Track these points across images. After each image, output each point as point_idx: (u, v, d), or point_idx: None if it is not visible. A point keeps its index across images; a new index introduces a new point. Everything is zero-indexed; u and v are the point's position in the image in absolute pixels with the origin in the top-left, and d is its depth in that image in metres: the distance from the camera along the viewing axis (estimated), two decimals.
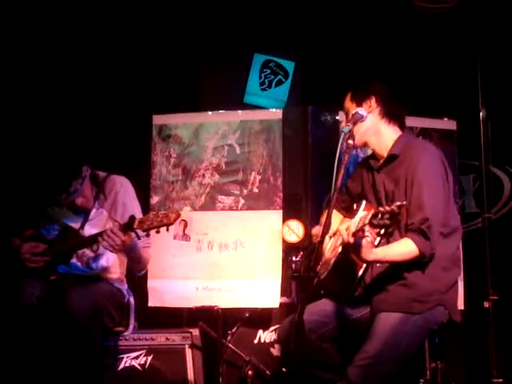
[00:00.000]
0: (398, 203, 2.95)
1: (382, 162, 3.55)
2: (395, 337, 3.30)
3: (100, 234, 3.79)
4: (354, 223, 3.21)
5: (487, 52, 4.75)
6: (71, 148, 4.17)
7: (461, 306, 4.12)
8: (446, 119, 5.00)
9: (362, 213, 3.27)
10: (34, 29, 5.09)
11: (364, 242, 3.18)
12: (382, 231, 3.03)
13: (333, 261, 3.39)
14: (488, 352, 4.50)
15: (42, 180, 3.97)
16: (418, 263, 3.32)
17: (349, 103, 3.60)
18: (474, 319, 4.56)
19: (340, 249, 3.37)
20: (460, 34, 4.95)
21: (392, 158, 3.50)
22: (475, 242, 4.63)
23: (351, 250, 3.26)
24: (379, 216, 2.97)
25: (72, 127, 5.06)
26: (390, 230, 3.01)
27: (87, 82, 5.25)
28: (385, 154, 3.54)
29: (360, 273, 3.37)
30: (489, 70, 4.74)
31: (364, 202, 3.46)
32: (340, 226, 3.36)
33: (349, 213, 3.70)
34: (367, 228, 3.09)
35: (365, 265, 3.36)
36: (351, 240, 3.19)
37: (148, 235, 4.03)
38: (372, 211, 3.04)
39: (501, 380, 4.43)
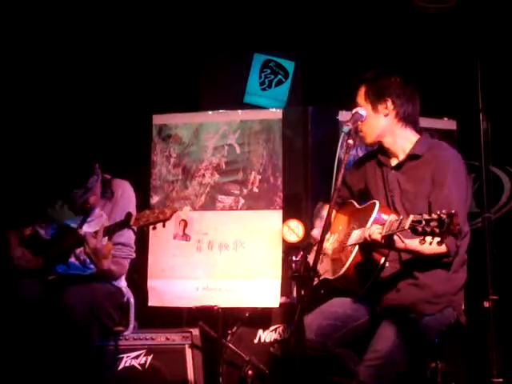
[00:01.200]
0: (445, 211, 2.86)
1: (400, 160, 3.50)
2: (407, 337, 3.30)
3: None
4: (374, 227, 3.19)
5: (487, 52, 4.74)
6: (85, 145, 4.18)
7: None
8: (445, 119, 5.00)
9: (391, 216, 3.19)
10: (36, 30, 5.09)
11: (395, 236, 3.15)
12: (428, 239, 2.89)
13: (348, 263, 3.34)
14: (488, 352, 4.50)
15: (61, 175, 3.98)
16: (431, 264, 3.32)
17: (362, 100, 3.51)
18: (474, 319, 4.56)
19: (356, 249, 3.34)
20: (460, 34, 4.95)
21: (413, 157, 3.46)
22: (475, 242, 4.61)
23: (376, 245, 3.23)
24: (423, 223, 2.89)
25: (72, 127, 5.06)
26: (439, 240, 2.88)
27: (87, 82, 5.25)
28: (400, 153, 3.51)
29: (376, 271, 3.36)
30: (489, 69, 4.73)
31: (378, 203, 3.42)
32: (356, 231, 3.36)
33: (342, 209, 3.69)
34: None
35: (382, 260, 3.34)
36: (381, 240, 3.15)
37: (129, 245, 4.07)
38: (412, 216, 2.95)
39: (501, 380, 4.43)
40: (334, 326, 3.45)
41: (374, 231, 3.18)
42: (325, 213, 3.59)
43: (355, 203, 3.64)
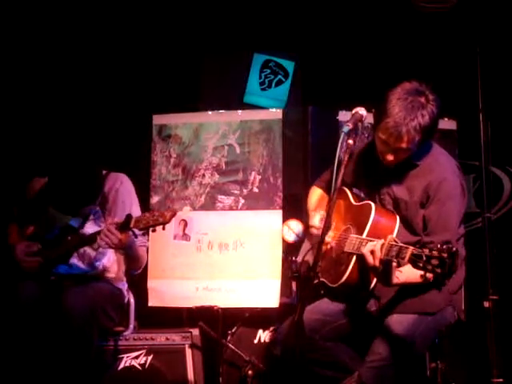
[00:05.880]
0: (445, 247, 2.83)
1: (397, 167, 3.46)
2: (408, 338, 3.32)
3: (98, 232, 3.80)
4: (377, 244, 3.13)
5: (487, 52, 4.75)
6: (93, 155, 4.19)
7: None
8: (446, 119, 4.99)
9: (389, 237, 3.11)
10: (36, 30, 5.09)
11: (393, 265, 3.12)
12: (429, 275, 2.86)
13: (348, 272, 3.33)
14: (488, 352, 4.50)
15: (75, 195, 4.06)
16: None
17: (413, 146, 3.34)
18: (474, 319, 4.56)
19: (354, 259, 3.32)
20: (460, 34, 4.95)
21: (410, 166, 3.45)
22: (475, 242, 4.62)
23: (372, 270, 3.20)
24: (424, 258, 2.86)
25: (73, 127, 5.06)
26: (441, 279, 2.85)
27: (87, 81, 5.25)
28: None
29: (373, 284, 3.35)
30: (489, 69, 4.74)
31: (374, 207, 3.40)
32: (353, 236, 3.33)
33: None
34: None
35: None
36: (378, 265, 3.12)
37: (144, 234, 4.05)
38: (411, 249, 2.93)
39: (501, 380, 4.43)
40: (322, 321, 3.47)
41: (370, 256, 3.13)
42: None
43: (349, 194, 3.62)
